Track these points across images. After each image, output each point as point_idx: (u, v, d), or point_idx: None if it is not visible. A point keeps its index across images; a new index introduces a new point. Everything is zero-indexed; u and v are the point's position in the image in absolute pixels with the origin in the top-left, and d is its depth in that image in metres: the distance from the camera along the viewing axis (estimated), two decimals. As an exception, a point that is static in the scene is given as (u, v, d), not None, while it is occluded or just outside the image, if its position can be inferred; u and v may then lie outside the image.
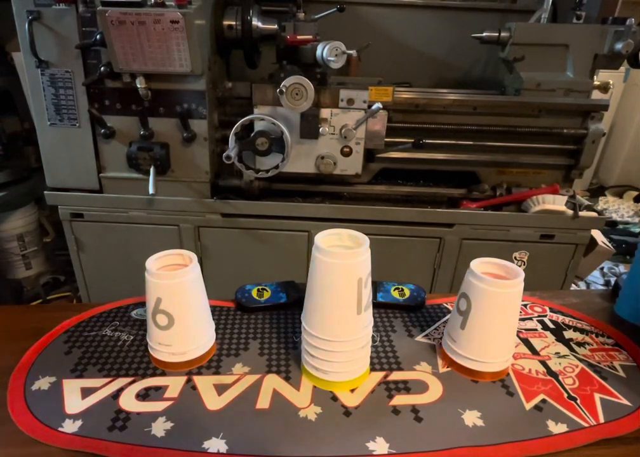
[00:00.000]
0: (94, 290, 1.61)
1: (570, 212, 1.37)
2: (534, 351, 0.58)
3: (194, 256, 0.52)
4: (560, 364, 0.56)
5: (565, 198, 1.38)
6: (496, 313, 0.50)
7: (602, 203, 3.02)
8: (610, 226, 2.66)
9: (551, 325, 0.64)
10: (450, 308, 0.67)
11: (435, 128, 1.39)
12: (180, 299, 0.50)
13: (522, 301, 0.70)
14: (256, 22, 1.30)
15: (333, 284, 0.46)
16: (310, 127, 1.24)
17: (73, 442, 0.43)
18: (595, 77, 1.39)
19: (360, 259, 0.45)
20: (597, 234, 1.44)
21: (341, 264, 0.45)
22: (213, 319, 0.62)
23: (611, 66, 1.36)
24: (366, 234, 0.48)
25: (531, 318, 0.65)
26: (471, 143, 1.40)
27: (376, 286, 0.67)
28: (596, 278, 2.22)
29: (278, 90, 1.14)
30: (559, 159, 1.44)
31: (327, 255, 0.45)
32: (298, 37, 1.21)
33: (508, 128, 1.38)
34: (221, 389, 0.50)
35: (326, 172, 1.32)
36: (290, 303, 0.65)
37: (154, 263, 0.51)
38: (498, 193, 1.45)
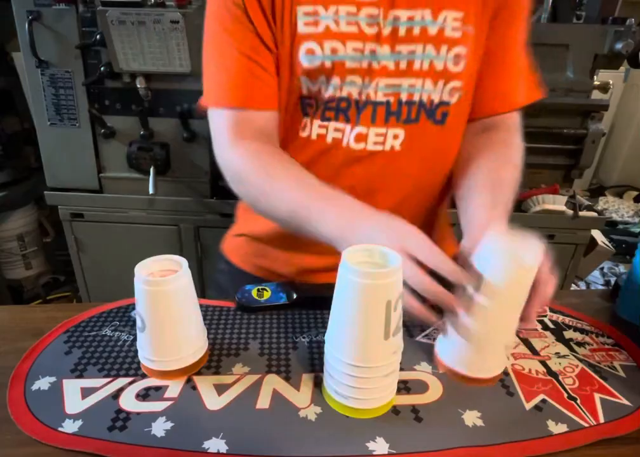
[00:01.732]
0: (94, 290, 1.62)
1: (570, 212, 1.37)
2: (534, 351, 0.58)
3: (184, 261, 0.50)
4: (560, 364, 0.56)
5: (565, 198, 1.38)
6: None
7: (602, 203, 3.02)
8: (610, 226, 2.65)
9: (551, 325, 0.64)
10: (450, 308, 0.67)
11: (435, 128, 1.38)
12: (163, 308, 0.49)
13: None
14: (256, 22, 1.30)
15: (358, 305, 0.43)
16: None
17: (74, 442, 0.43)
18: (595, 77, 1.39)
19: (390, 280, 0.41)
20: (597, 234, 1.44)
21: (369, 284, 0.41)
22: (214, 319, 0.63)
23: (611, 66, 1.36)
24: (366, 234, 0.47)
25: (531, 318, 0.65)
26: (471, 143, 1.40)
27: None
28: (596, 278, 2.22)
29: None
30: (559, 159, 1.44)
31: (353, 273, 0.41)
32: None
33: (508, 128, 1.38)
34: (221, 389, 0.50)
35: (326, 172, 1.32)
36: (290, 303, 0.65)
37: (144, 267, 0.50)
38: (498, 193, 1.44)
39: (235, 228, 0.82)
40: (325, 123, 0.63)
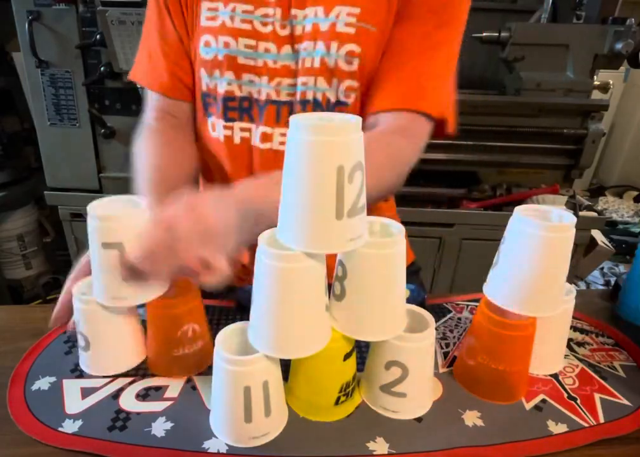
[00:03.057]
0: (94, 290, 1.61)
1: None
2: (534, 351, 0.58)
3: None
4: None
5: (565, 198, 1.38)
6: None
7: (602, 203, 3.02)
8: (610, 226, 2.65)
9: (551, 325, 0.63)
10: (450, 308, 0.67)
11: (435, 128, 1.38)
12: None
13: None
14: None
15: (303, 170, 0.36)
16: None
17: (74, 442, 0.43)
18: (595, 77, 1.39)
19: (343, 138, 0.34)
20: (597, 234, 1.44)
21: (315, 142, 0.35)
22: (214, 319, 0.62)
23: (611, 66, 1.36)
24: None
25: (531, 318, 0.65)
26: (471, 143, 1.40)
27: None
28: (596, 278, 2.22)
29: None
30: (559, 159, 1.44)
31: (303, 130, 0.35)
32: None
33: (508, 128, 1.38)
34: (221, 389, 0.50)
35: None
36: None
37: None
38: (498, 193, 1.45)
39: None
40: (230, 123, 0.64)
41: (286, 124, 0.59)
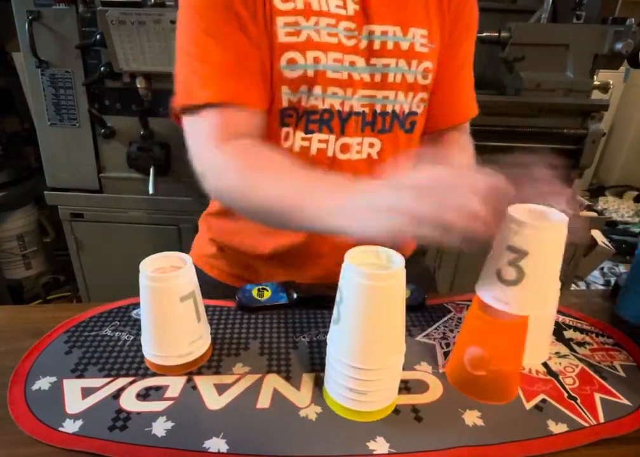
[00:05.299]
0: (94, 290, 1.62)
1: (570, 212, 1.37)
2: (534, 351, 0.58)
3: (189, 259, 0.51)
4: (560, 363, 0.56)
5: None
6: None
7: (602, 203, 3.02)
8: (610, 226, 2.65)
9: (551, 325, 0.64)
10: (451, 308, 0.67)
11: (435, 128, 1.38)
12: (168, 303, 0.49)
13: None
14: (256, 22, 1.29)
15: (364, 307, 0.42)
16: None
17: (74, 442, 0.43)
18: (595, 77, 1.39)
19: (395, 281, 0.42)
20: (597, 234, 1.44)
21: (375, 286, 0.41)
22: (214, 319, 0.63)
23: (611, 66, 1.36)
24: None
25: (531, 318, 0.65)
26: (471, 143, 1.40)
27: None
28: (596, 278, 2.22)
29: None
30: (558, 159, 1.43)
31: (359, 275, 0.41)
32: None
33: (508, 128, 1.38)
34: (221, 389, 0.50)
35: (326, 173, 1.31)
36: (290, 303, 0.65)
37: (150, 264, 0.50)
38: (498, 193, 1.44)
39: (205, 235, 0.80)
40: (308, 135, 0.64)
41: (362, 134, 0.65)
